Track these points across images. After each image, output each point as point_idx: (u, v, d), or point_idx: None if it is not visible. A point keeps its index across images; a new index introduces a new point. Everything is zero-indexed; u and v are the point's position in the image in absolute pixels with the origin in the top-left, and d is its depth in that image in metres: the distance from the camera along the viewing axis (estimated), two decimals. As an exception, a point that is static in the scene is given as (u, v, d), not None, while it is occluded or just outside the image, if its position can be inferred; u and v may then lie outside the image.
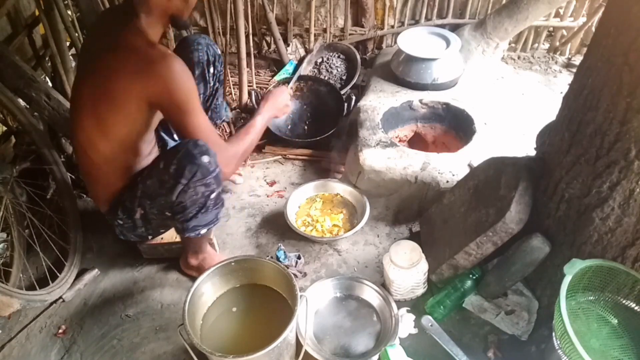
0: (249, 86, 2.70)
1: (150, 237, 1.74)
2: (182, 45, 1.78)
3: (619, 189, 1.23)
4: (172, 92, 1.35)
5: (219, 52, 1.85)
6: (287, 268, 1.76)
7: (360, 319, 1.61)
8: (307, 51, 2.94)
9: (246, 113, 2.64)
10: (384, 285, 1.68)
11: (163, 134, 1.84)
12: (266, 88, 2.66)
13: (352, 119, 2.34)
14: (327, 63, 2.85)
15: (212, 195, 1.49)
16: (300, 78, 2.63)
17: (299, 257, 1.82)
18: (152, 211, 1.52)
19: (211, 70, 1.80)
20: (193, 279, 1.73)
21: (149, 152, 1.60)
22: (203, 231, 1.57)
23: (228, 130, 2.53)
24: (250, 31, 2.80)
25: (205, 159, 1.40)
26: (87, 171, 1.58)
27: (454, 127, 2.31)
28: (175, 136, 1.86)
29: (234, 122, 2.56)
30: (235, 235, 1.98)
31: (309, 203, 2.08)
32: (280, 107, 1.79)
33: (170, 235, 1.83)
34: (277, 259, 1.79)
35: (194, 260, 1.76)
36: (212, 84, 1.83)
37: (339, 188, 2.11)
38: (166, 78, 1.33)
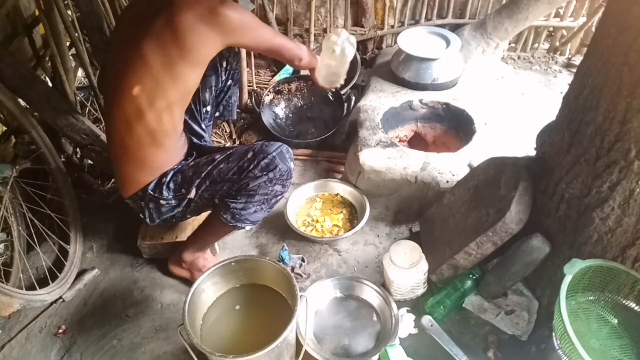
0: (248, 86, 2.70)
1: (177, 220, 1.76)
2: None
3: (619, 189, 1.23)
4: (244, 26, 1.43)
5: (236, 48, 1.82)
6: (292, 269, 1.77)
7: (360, 319, 1.61)
8: (307, 51, 2.94)
9: (246, 113, 2.64)
10: (384, 285, 1.68)
11: (190, 122, 1.77)
12: (266, 88, 2.65)
13: (352, 119, 2.34)
14: (327, 63, 2.84)
15: (279, 197, 1.59)
16: (300, 78, 2.63)
17: (302, 260, 1.82)
18: (204, 195, 1.55)
19: (224, 64, 1.77)
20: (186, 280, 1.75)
21: (182, 137, 1.64)
22: (248, 227, 1.63)
23: (228, 130, 2.53)
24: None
25: (292, 164, 1.55)
26: (123, 150, 1.52)
27: (454, 127, 2.31)
28: (203, 125, 1.82)
29: (234, 122, 2.56)
30: (235, 235, 1.98)
31: (309, 203, 2.08)
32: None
33: (171, 235, 1.83)
34: (282, 259, 1.79)
35: (189, 256, 1.72)
36: (223, 78, 1.80)
37: (339, 188, 2.11)
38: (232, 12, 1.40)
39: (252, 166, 1.49)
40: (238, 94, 1.97)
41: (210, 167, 1.52)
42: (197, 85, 1.50)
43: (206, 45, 1.41)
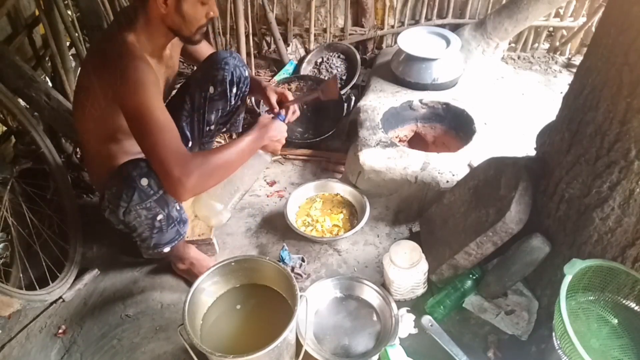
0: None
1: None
2: (210, 60, 1.72)
3: (619, 189, 1.23)
4: (126, 93, 1.29)
5: (246, 74, 1.77)
6: (292, 269, 1.77)
7: (360, 319, 1.61)
8: (307, 51, 2.94)
9: (246, 113, 2.64)
10: (384, 285, 1.68)
11: (187, 131, 1.76)
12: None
13: (352, 119, 2.34)
14: (327, 63, 2.85)
15: (159, 217, 1.46)
16: (300, 78, 2.63)
17: (302, 260, 1.82)
18: (111, 218, 1.49)
19: (234, 90, 1.73)
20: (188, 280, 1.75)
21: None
22: (166, 249, 1.57)
23: (228, 135, 2.53)
24: (250, 31, 2.81)
25: (143, 181, 1.36)
26: (87, 158, 1.62)
27: (454, 127, 2.31)
28: (202, 140, 1.81)
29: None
30: (235, 235, 1.98)
31: (308, 203, 2.08)
32: (272, 140, 1.59)
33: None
34: (282, 259, 1.79)
35: (182, 265, 1.76)
36: (233, 102, 1.77)
37: (339, 188, 2.10)
38: (122, 76, 1.29)
39: (110, 195, 1.42)
40: (244, 110, 1.94)
41: (107, 191, 1.45)
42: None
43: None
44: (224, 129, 1.91)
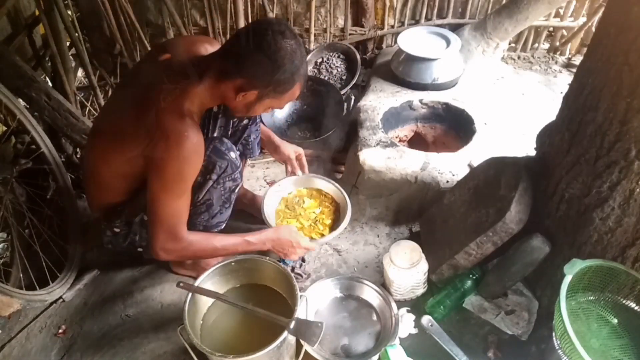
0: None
1: (140, 249, 1.67)
2: None
3: (619, 189, 1.23)
4: (164, 164, 1.30)
5: None
6: (292, 270, 1.77)
7: (360, 319, 1.61)
8: (307, 51, 2.94)
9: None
10: (384, 285, 1.68)
11: None
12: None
13: (352, 119, 2.34)
14: (327, 63, 2.85)
15: (236, 190, 1.54)
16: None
17: (302, 260, 1.82)
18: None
19: None
20: (192, 279, 1.74)
21: None
22: (223, 226, 1.62)
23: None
24: (250, 31, 2.80)
25: (232, 154, 1.46)
26: (89, 176, 1.55)
27: (454, 127, 2.31)
28: None
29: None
30: (235, 235, 1.98)
31: (287, 203, 1.90)
32: (279, 252, 1.60)
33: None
34: (282, 259, 1.79)
35: (187, 262, 1.76)
36: (235, 118, 1.72)
37: (320, 184, 1.91)
38: (167, 149, 1.28)
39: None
40: (259, 134, 1.86)
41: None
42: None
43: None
44: (239, 153, 1.83)
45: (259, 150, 1.86)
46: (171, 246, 1.40)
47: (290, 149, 1.82)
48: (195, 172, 1.36)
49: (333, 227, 1.77)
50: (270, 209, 1.81)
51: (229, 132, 1.74)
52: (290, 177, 1.89)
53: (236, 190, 1.55)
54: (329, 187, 1.90)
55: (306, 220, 1.82)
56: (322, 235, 1.75)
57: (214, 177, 1.44)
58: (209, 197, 1.48)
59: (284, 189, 1.91)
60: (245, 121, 1.75)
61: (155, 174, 1.33)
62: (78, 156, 2.25)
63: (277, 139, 1.84)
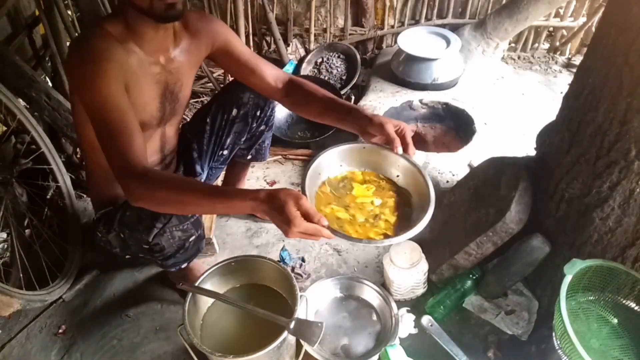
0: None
1: (128, 257, 1.62)
2: (236, 82, 1.62)
3: (619, 189, 1.23)
4: (81, 87, 1.20)
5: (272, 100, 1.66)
6: (292, 270, 1.77)
7: (360, 319, 1.61)
8: (307, 51, 2.94)
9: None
10: (384, 285, 1.68)
11: (194, 159, 1.68)
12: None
13: (352, 119, 2.34)
14: (327, 63, 2.85)
15: (192, 239, 1.46)
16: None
17: (302, 260, 1.82)
18: (130, 241, 1.44)
19: (258, 113, 1.67)
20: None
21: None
22: (184, 265, 1.56)
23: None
24: (251, 31, 2.81)
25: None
26: (87, 172, 1.56)
27: (454, 127, 2.31)
28: (212, 164, 1.74)
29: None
30: (235, 235, 1.98)
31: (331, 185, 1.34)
32: (278, 220, 1.08)
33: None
34: (282, 259, 1.79)
35: (177, 274, 1.69)
36: (254, 125, 1.70)
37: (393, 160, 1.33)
38: (79, 66, 1.19)
39: (144, 215, 1.34)
40: (271, 138, 1.83)
41: (121, 212, 1.41)
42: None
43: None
44: (251, 157, 1.85)
45: (267, 156, 1.87)
46: (130, 182, 1.16)
47: (387, 120, 1.31)
48: (110, 80, 1.19)
49: (399, 227, 1.25)
50: (311, 189, 1.27)
51: (243, 139, 1.73)
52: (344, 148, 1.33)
53: (191, 239, 1.45)
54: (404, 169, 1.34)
55: (359, 212, 1.28)
56: (387, 236, 1.22)
57: (159, 225, 1.35)
58: (157, 241, 1.40)
59: (334, 164, 1.34)
60: (262, 127, 1.73)
61: (81, 101, 1.22)
62: (78, 156, 2.24)
63: (365, 111, 1.36)
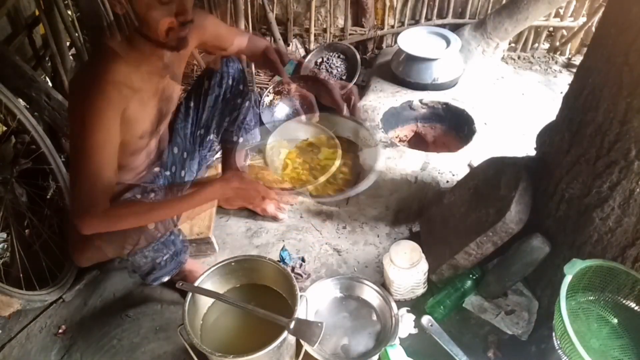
0: (249, 86, 2.70)
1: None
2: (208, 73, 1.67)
3: (619, 189, 1.23)
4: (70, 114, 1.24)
5: (240, 67, 1.70)
6: (292, 270, 1.77)
7: (360, 319, 1.61)
8: (307, 51, 2.94)
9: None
10: (384, 285, 1.68)
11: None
12: (266, 88, 2.65)
13: (352, 119, 2.34)
14: (327, 63, 2.85)
15: (165, 257, 1.47)
16: (300, 79, 2.63)
17: (302, 260, 1.82)
18: (110, 255, 1.45)
19: (230, 82, 1.69)
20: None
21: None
22: (165, 279, 1.57)
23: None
24: (251, 31, 2.80)
25: (150, 225, 1.35)
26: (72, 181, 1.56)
27: (454, 127, 2.31)
28: (199, 154, 1.74)
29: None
30: (235, 235, 1.98)
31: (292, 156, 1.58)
32: (252, 192, 1.30)
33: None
34: (282, 259, 1.79)
35: (176, 277, 1.70)
36: (231, 98, 1.70)
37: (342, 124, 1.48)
38: (71, 94, 1.25)
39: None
40: (259, 118, 1.81)
41: None
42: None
43: None
44: (238, 138, 1.79)
45: (259, 137, 1.82)
46: (86, 218, 1.22)
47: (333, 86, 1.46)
48: (112, 126, 1.23)
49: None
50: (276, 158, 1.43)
51: (227, 119, 1.73)
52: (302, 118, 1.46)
53: (165, 257, 1.47)
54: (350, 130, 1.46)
55: (319, 172, 1.45)
56: (342, 190, 1.38)
57: (128, 247, 1.37)
58: (132, 260, 1.44)
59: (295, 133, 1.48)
60: (239, 100, 1.71)
61: (69, 122, 1.27)
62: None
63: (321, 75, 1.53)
